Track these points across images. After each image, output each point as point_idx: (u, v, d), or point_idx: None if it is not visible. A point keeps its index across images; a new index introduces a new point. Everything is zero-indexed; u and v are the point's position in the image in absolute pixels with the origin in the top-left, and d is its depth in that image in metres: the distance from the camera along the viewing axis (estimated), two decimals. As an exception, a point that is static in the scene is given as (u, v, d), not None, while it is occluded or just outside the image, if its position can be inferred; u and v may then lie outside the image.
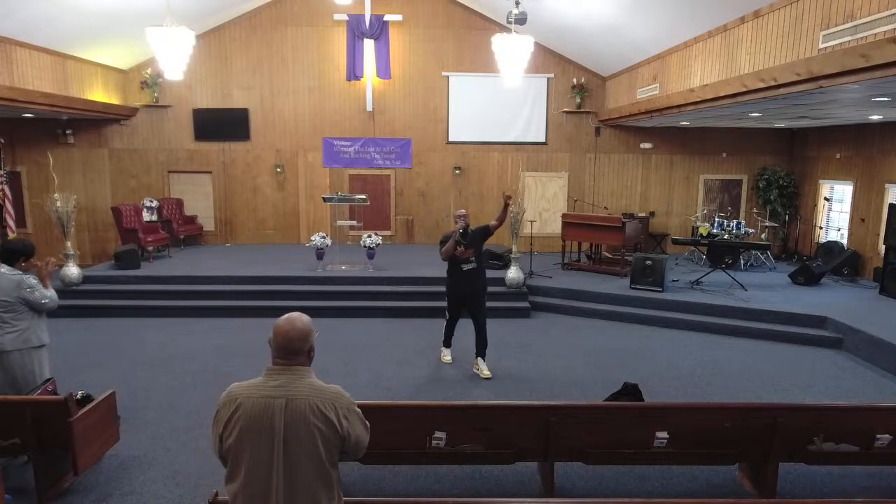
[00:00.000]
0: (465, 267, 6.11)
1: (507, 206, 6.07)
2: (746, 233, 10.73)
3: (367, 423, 2.31)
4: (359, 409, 2.26)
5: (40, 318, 4.40)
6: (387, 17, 11.40)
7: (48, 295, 4.31)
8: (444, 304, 6.59)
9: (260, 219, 12.22)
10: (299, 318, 2.23)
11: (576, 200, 12.06)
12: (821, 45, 5.31)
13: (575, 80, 11.88)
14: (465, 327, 6.52)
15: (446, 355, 6.65)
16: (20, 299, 4.20)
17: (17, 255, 4.32)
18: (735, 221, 10.82)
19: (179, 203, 11.86)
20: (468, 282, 6.16)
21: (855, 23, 4.88)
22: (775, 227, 11.94)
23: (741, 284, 8.99)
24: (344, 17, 11.40)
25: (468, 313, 6.32)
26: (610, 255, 11.18)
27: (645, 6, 8.01)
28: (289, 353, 2.17)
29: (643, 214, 12.04)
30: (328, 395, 2.16)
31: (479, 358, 6.33)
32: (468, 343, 6.55)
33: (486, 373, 6.24)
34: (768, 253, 11.02)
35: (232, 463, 2.14)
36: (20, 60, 8.41)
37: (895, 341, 6.62)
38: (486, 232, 6.18)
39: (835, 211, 11.28)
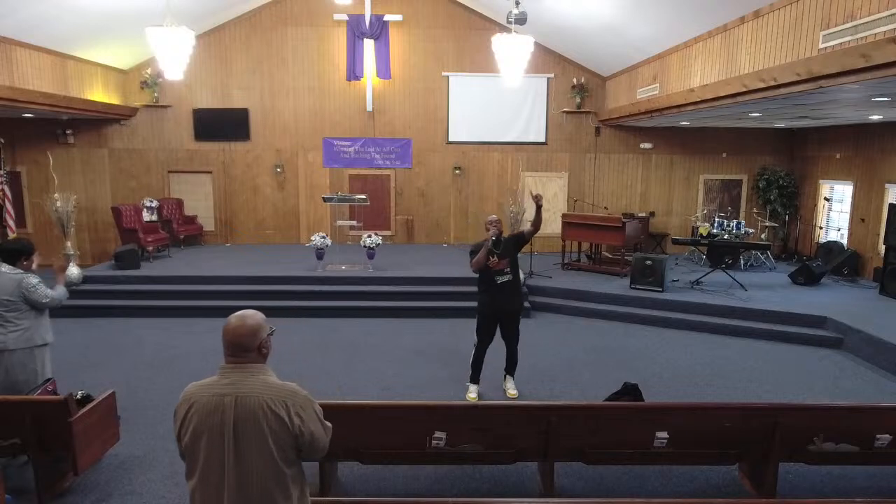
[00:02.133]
0: (500, 279, 5.41)
1: (539, 207, 5.37)
2: (746, 233, 10.73)
3: (329, 423, 2.30)
4: (318, 408, 2.25)
5: (43, 317, 4.41)
6: (387, 17, 11.40)
7: (49, 294, 4.30)
8: (444, 304, 6.46)
9: (260, 219, 12.22)
10: (251, 316, 2.23)
11: (576, 200, 12.06)
12: (821, 45, 5.31)
13: (575, 80, 11.88)
14: (471, 330, 6.02)
15: (472, 392, 5.69)
16: (22, 298, 4.21)
17: (17, 254, 4.33)
18: (735, 221, 10.82)
19: (179, 203, 11.86)
20: (504, 297, 5.46)
21: (855, 23, 4.88)
22: (775, 227, 11.94)
23: (741, 284, 8.99)
24: (344, 17, 11.40)
25: (502, 335, 5.63)
26: (610, 255, 11.18)
27: (645, 6, 8.01)
28: (238, 351, 2.18)
29: (643, 214, 12.04)
30: (280, 392, 2.16)
31: (507, 375, 5.84)
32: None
33: (512, 392, 5.75)
34: (768, 253, 11.02)
35: (189, 460, 2.17)
36: (20, 60, 8.41)
37: (895, 341, 6.62)
38: (521, 239, 5.59)
39: (835, 211, 11.28)
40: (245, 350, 2.18)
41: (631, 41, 9.35)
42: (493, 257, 5.38)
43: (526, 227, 5.66)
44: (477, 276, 5.57)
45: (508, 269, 5.46)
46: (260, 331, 2.21)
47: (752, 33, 6.52)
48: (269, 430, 2.10)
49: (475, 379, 5.73)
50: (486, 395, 5.80)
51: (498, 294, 5.46)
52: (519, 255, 9.12)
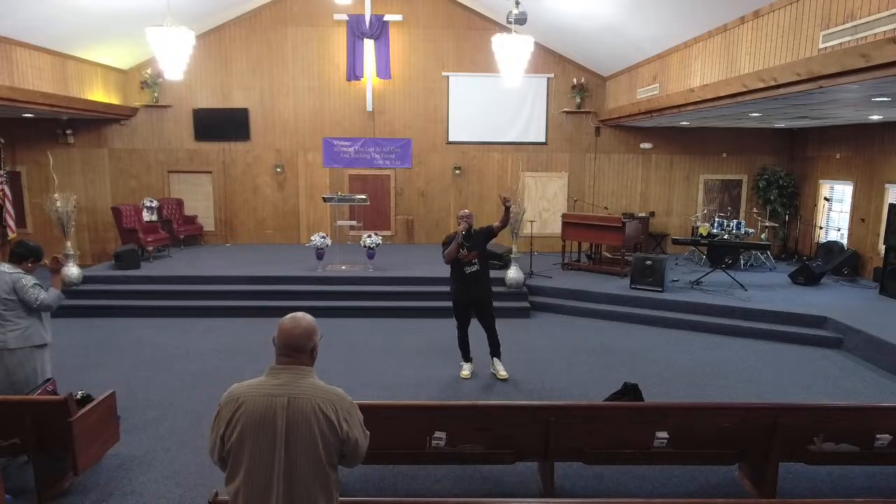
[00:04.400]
0: (468, 270, 5.86)
1: (507, 209, 5.86)
2: (746, 233, 10.73)
3: (367, 431, 2.30)
4: (361, 416, 2.26)
5: (43, 317, 4.40)
6: (387, 17, 11.40)
7: (40, 298, 4.25)
8: (444, 304, 6.61)
9: (260, 219, 12.22)
10: (304, 317, 2.24)
11: (576, 200, 12.06)
12: (821, 45, 5.31)
13: (575, 80, 11.88)
14: (473, 333, 6.32)
15: (465, 370, 6.19)
16: (17, 298, 4.21)
17: (27, 255, 4.34)
18: (735, 221, 10.82)
19: (179, 203, 11.86)
20: (471, 285, 5.90)
21: (855, 23, 4.88)
22: (775, 227, 11.94)
23: (741, 284, 8.99)
24: (344, 17, 11.40)
25: (478, 321, 6.09)
26: (610, 255, 11.17)
27: (645, 6, 8.01)
28: (292, 351, 2.18)
29: (643, 214, 12.04)
30: (330, 395, 2.16)
31: (494, 358, 6.18)
32: (478, 347, 6.39)
33: (502, 373, 6.07)
34: (768, 253, 11.02)
35: (233, 462, 2.13)
36: (20, 60, 8.41)
37: (895, 341, 6.62)
38: (490, 233, 6.01)
39: (835, 211, 11.28)
40: (300, 351, 2.18)
41: (631, 41, 9.34)
42: (463, 250, 5.82)
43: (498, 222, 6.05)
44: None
45: (476, 261, 5.88)
46: (314, 333, 2.23)
47: (752, 33, 6.52)
48: (319, 432, 2.09)
49: (466, 358, 6.21)
50: (485, 394, 5.81)
51: (467, 283, 5.90)
52: (519, 256, 9.25)
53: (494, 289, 8.65)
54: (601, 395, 5.19)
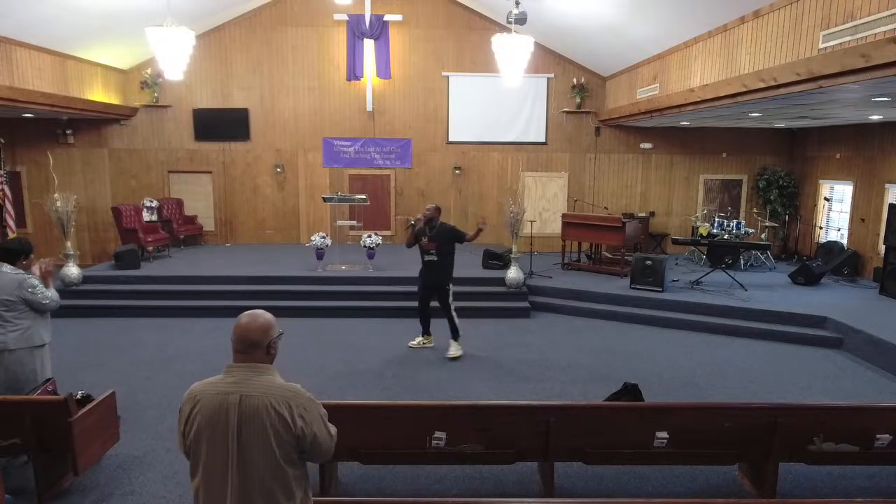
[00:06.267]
0: (426, 258, 6.62)
1: (479, 231, 6.66)
2: (746, 233, 10.72)
3: (333, 427, 2.28)
4: (323, 411, 2.24)
5: (43, 318, 4.40)
6: (387, 17, 11.40)
7: (49, 295, 4.30)
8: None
9: (260, 219, 12.22)
10: (262, 314, 2.25)
11: (576, 200, 12.06)
12: (821, 45, 5.31)
13: (575, 80, 11.88)
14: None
15: (414, 340, 7.12)
16: (21, 299, 4.20)
17: (18, 254, 4.32)
18: (735, 221, 10.81)
19: (179, 203, 11.86)
20: (429, 271, 6.66)
21: (855, 23, 4.88)
22: (775, 227, 11.94)
23: (741, 284, 8.99)
24: (344, 17, 11.40)
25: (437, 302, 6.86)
26: (610, 255, 11.17)
27: (645, 6, 8.01)
28: (247, 346, 2.18)
29: (643, 214, 12.04)
30: (284, 392, 2.16)
31: (451, 340, 6.85)
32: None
33: (451, 353, 6.78)
34: (768, 253, 11.02)
35: (192, 458, 2.17)
36: (20, 60, 8.41)
37: (895, 341, 6.62)
38: (458, 237, 6.67)
39: (835, 211, 11.28)
40: (254, 346, 2.18)
41: (631, 41, 9.34)
42: (423, 238, 6.56)
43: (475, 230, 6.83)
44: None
45: (435, 252, 6.55)
46: (270, 329, 2.22)
47: (752, 33, 6.52)
48: (272, 429, 2.09)
49: (423, 333, 7.09)
50: (485, 394, 5.81)
51: (426, 268, 6.70)
52: (519, 256, 9.26)
53: (494, 289, 8.84)
54: (601, 395, 5.20)
